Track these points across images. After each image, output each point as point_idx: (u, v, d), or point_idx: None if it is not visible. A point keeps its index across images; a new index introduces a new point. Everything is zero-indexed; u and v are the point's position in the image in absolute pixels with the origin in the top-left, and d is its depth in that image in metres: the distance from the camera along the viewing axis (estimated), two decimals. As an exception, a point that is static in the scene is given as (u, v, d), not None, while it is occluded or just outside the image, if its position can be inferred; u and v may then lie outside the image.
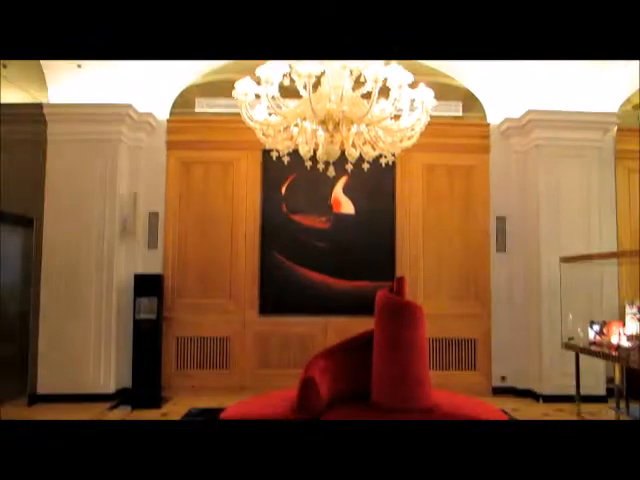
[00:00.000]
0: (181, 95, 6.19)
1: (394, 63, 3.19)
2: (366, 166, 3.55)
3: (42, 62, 5.45)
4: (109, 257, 5.60)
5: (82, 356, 5.48)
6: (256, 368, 5.85)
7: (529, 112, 5.71)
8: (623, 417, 4.77)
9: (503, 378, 5.88)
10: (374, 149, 3.52)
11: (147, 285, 5.56)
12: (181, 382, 5.79)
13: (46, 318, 5.49)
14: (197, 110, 6.19)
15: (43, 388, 5.42)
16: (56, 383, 5.40)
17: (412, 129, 3.40)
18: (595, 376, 5.51)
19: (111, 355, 5.56)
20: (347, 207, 5.99)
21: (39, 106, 5.65)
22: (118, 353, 5.63)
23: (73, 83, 5.63)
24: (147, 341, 5.50)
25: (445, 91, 5.99)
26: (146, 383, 5.46)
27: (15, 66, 5.62)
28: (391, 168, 5.48)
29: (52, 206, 5.60)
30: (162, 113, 6.11)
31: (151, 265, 5.89)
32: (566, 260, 5.28)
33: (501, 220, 6.02)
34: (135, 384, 5.46)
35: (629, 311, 4.52)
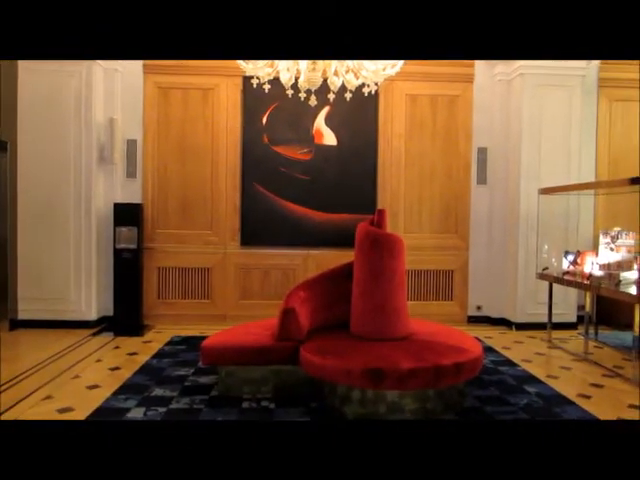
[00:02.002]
0: (156, 15, 5.87)
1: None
2: (349, 95, 3.48)
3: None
4: (87, 184, 5.50)
5: (63, 284, 5.50)
6: (237, 298, 5.95)
7: (516, 40, 5.58)
8: (592, 342, 5.03)
9: (479, 307, 6.10)
10: (357, 77, 3.43)
11: (127, 214, 5.51)
12: (163, 311, 5.89)
13: (24, 245, 5.46)
14: (173, 32, 5.89)
15: (24, 314, 5.48)
16: (37, 309, 5.45)
17: (396, 57, 3.31)
18: (567, 304, 5.76)
19: (92, 283, 5.59)
20: (329, 138, 5.90)
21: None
22: (99, 281, 5.67)
23: None
24: (128, 270, 5.52)
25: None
26: (128, 311, 5.53)
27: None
28: (374, 98, 5.39)
29: (26, 130, 5.42)
30: (136, 35, 5.81)
31: (130, 194, 5.82)
32: (544, 191, 5.36)
33: (482, 151, 6.01)
34: (117, 312, 5.54)
35: (603, 241, 4.65)
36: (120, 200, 5.73)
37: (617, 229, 4.54)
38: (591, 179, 5.94)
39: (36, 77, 5.38)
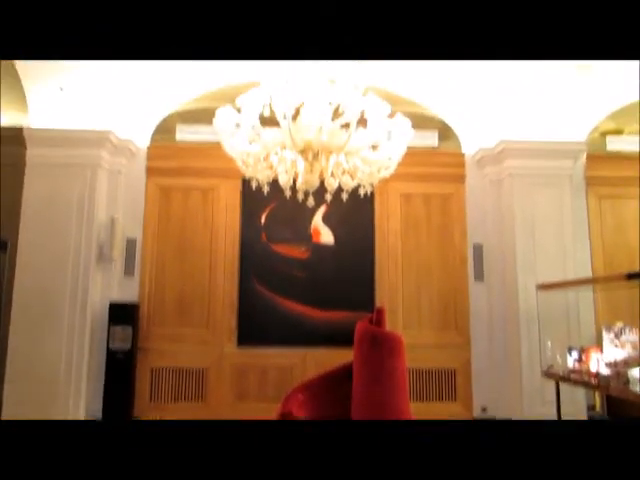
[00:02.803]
0: (162, 122, 6.19)
1: (371, 93, 3.25)
2: (345, 196, 3.58)
3: (25, 85, 5.46)
4: (84, 283, 5.48)
5: (51, 383, 5.29)
6: (233, 400, 5.72)
7: (502, 142, 5.85)
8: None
9: (484, 409, 5.85)
10: (353, 179, 3.55)
11: (122, 313, 5.46)
12: (155, 414, 5.62)
13: (15, 343, 5.32)
14: (178, 137, 6.18)
15: (9, 412, 5.20)
16: (23, 409, 5.17)
17: (389, 159, 3.45)
18: (575, 403, 5.52)
19: (82, 384, 5.39)
20: (326, 236, 6.00)
21: (19, 129, 5.61)
22: (89, 382, 5.47)
23: (55, 107, 5.60)
24: (120, 372, 5.37)
25: (421, 121, 6.11)
26: (117, 415, 5.29)
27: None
28: (369, 198, 5.52)
29: (28, 229, 5.50)
30: (143, 139, 6.10)
31: (127, 292, 5.79)
32: (542, 287, 5.34)
33: (478, 248, 6.08)
34: (105, 415, 5.29)
35: (606, 336, 4.56)
36: (117, 298, 5.69)
37: (620, 324, 4.48)
38: (588, 274, 5.96)
39: (41, 179, 5.56)
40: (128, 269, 5.87)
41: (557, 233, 5.79)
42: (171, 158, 6.06)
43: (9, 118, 6.12)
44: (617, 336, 4.42)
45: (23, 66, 5.27)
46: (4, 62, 5.20)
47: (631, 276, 4.04)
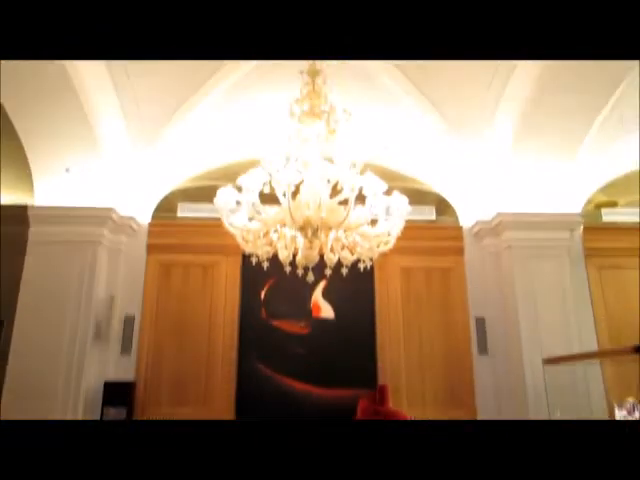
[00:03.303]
0: (164, 199, 6.32)
1: (369, 171, 3.33)
2: (345, 271, 3.58)
3: (32, 166, 5.58)
4: (79, 363, 5.35)
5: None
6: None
7: (498, 215, 5.93)
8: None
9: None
10: (352, 254, 3.56)
11: (117, 393, 5.29)
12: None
13: (6, 417, 5.09)
14: (179, 214, 6.28)
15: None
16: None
17: (388, 234, 3.48)
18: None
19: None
20: (327, 311, 5.95)
21: (23, 208, 5.70)
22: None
23: (60, 186, 5.72)
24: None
25: (418, 196, 6.25)
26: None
27: (4, 168, 5.80)
28: (369, 272, 5.53)
29: (25, 308, 5.44)
30: (144, 216, 6.19)
31: (123, 371, 5.64)
32: (549, 362, 5.23)
33: (481, 321, 6.01)
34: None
35: (618, 414, 4.41)
36: (112, 377, 5.54)
37: (631, 400, 4.34)
38: (594, 347, 5.84)
39: (42, 256, 5.58)
40: (125, 347, 5.75)
41: (560, 305, 5.74)
42: (172, 235, 6.12)
43: (14, 198, 6.27)
44: (630, 413, 4.28)
45: (32, 148, 5.44)
46: (14, 146, 5.37)
47: (639, 349, 3.96)
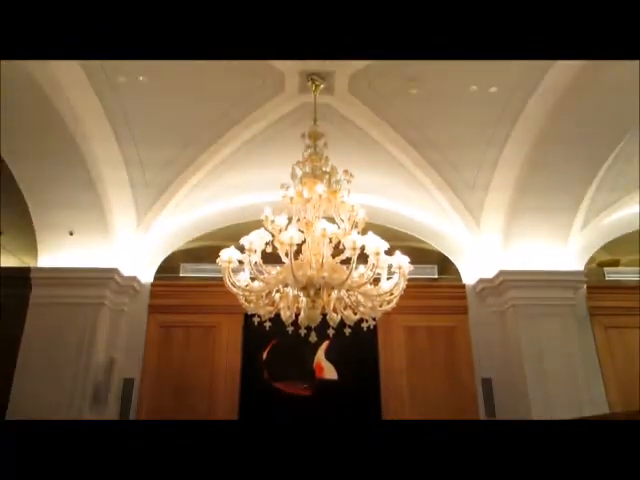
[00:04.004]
0: (166, 260, 6.35)
1: (370, 232, 3.37)
2: (348, 331, 3.55)
3: (36, 227, 5.64)
4: (76, 428, 5.19)
5: None
6: None
7: (501, 273, 5.91)
8: None
9: None
10: (355, 313, 3.54)
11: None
12: None
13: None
14: (181, 274, 6.29)
15: None
16: None
17: (391, 293, 3.47)
18: None
19: None
20: (330, 372, 5.83)
21: (26, 270, 5.72)
22: None
23: (63, 248, 5.77)
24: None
25: (420, 255, 6.27)
26: None
27: (10, 232, 5.87)
28: (373, 331, 5.46)
29: (23, 369, 5.36)
30: (147, 276, 6.19)
31: (121, 438, 5.46)
32: (559, 424, 5.06)
33: (487, 382, 5.85)
34: None
35: None
36: (109, 444, 5.35)
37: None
38: (604, 409, 5.66)
39: (43, 318, 5.54)
40: (124, 411, 5.60)
41: (567, 365, 5.60)
42: (174, 296, 6.11)
43: (17, 260, 6.31)
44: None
45: (37, 211, 5.52)
46: (19, 210, 5.45)
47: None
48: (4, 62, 3.76)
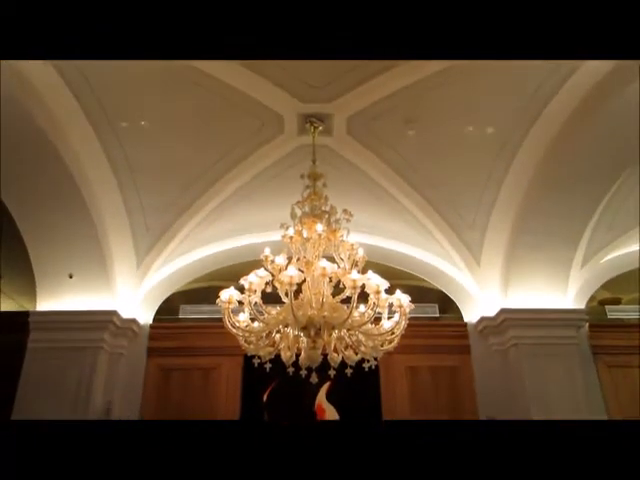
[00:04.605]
0: (166, 301, 6.31)
1: (370, 271, 3.37)
2: (349, 371, 3.50)
3: (35, 271, 5.61)
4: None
5: None
6: None
7: (502, 311, 5.87)
8: None
9: None
10: (356, 353, 3.51)
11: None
12: None
13: None
14: (181, 316, 6.25)
15: None
16: None
17: (392, 332, 3.45)
18: None
19: None
20: (331, 414, 5.70)
21: (25, 314, 5.67)
22: None
23: (62, 292, 5.73)
24: None
25: (421, 293, 6.25)
26: None
27: (9, 276, 5.86)
28: (374, 372, 5.38)
29: (20, 413, 5.21)
30: (146, 318, 6.14)
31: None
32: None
33: (492, 423, 5.75)
34: None
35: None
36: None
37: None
38: (613, 450, 5.53)
39: (40, 362, 5.46)
40: (120, 457, 5.45)
41: (572, 404, 5.48)
42: (173, 338, 6.04)
43: (16, 305, 6.28)
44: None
45: (36, 254, 5.52)
46: (19, 254, 5.44)
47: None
48: (4, 110, 3.81)
